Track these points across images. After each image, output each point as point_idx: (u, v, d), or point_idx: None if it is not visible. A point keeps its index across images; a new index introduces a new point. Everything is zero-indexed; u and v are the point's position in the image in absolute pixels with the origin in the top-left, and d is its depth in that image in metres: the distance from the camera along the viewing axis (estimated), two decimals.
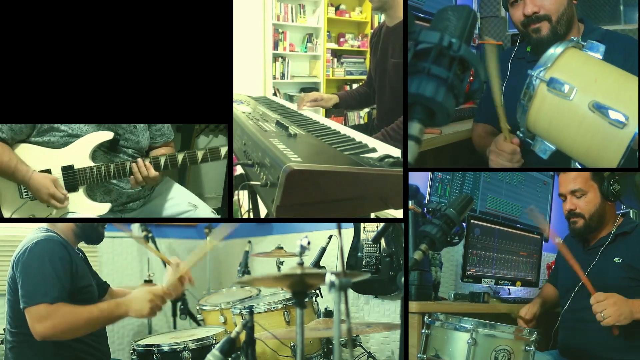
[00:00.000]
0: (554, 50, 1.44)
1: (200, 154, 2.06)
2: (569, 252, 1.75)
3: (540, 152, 1.49)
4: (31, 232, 1.82)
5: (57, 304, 1.64)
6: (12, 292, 1.74)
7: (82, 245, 1.93)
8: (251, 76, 4.85)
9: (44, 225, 1.88)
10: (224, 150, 2.04)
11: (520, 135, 1.54)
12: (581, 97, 1.36)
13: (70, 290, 1.71)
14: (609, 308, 1.62)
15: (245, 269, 2.82)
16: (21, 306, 1.65)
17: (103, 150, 2.08)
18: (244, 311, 2.06)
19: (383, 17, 2.56)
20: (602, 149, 1.36)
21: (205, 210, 2.31)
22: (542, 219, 1.92)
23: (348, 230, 2.53)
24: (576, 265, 1.73)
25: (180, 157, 2.06)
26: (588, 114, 1.35)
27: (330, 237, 2.33)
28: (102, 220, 2.07)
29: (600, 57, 1.44)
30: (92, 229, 1.91)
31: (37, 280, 1.66)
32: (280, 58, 5.18)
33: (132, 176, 2.06)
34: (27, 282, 1.66)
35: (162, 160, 2.05)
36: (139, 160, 2.04)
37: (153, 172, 2.04)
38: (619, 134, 1.32)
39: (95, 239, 1.97)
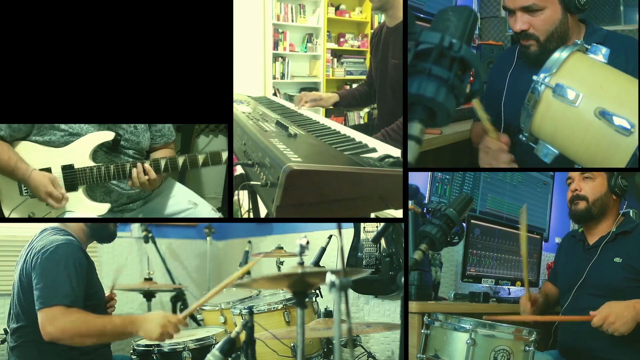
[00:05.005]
0: (559, 55, 1.42)
1: (201, 158, 2.05)
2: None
3: (544, 157, 1.49)
4: (44, 233, 1.82)
5: (73, 308, 1.64)
6: (24, 289, 1.74)
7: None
8: (251, 76, 4.85)
9: (57, 225, 1.88)
10: (224, 155, 2.04)
11: (524, 139, 1.53)
12: (587, 104, 1.35)
13: (84, 295, 1.72)
14: (611, 328, 1.60)
15: None
16: (36, 307, 1.65)
17: (104, 151, 2.08)
18: (244, 311, 2.06)
19: (383, 18, 2.56)
20: (608, 156, 1.35)
21: (205, 208, 2.31)
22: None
23: (348, 230, 2.53)
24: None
25: (180, 160, 2.05)
26: (594, 120, 1.34)
27: (330, 237, 2.33)
28: (101, 220, 2.07)
29: (605, 61, 1.43)
30: (103, 228, 1.93)
31: (56, 283, 1.66)
32: (280, 58, 5.18)
33: (130, 180, 2.06)
34: (46, 284, 1.67)
35: (163, 163, 2.05)
36: (139, 164, 2.03)
37: (153, 175, 2.03)
38: (624, 141, 1.31)
39: (107, 237, 1.98)
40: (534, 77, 1.42)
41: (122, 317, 1.72)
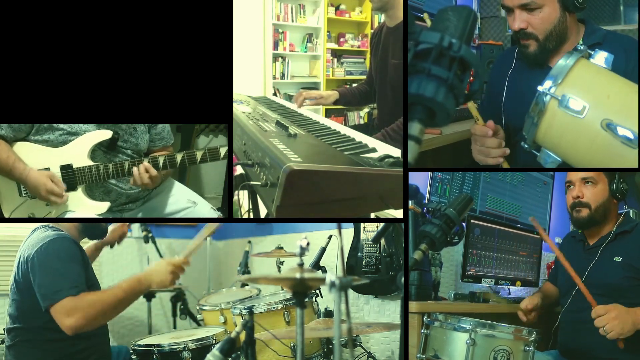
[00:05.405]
0: (565, 63, 1.41)
1: (199, 154, 2.05)
2: (567, 262, 1.77)
3: (546, 164, 1.48)
4: (35, 232, 1.83)
5: (81, 294, 1.65)
6: (20, 290, 1.75)
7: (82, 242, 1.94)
8: (251, 76, 4.85)
9: (47, 223, 1.88)
10: (223, 151, 2.04)
11: (526, 147, 1.53)
12: (593, 115, 1.34)
13: (85, 283, 1.73)
14: (610, 322, 1.60)
15: (245, 269, 2.82)
16: (44, 305, 1.65)
17: (102, 150, 2.08)
18: (244, 311, 2.06)
19: (383, 18, 2.56)
20: (614, 166, 1.35)
21: (204, 207, 2.31)
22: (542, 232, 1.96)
23: (348, 230, 2.53)
24: (575, 275, 1.75)
25: (179, 157, 2.06)
26: (600, 132, 1.33)
27: (330, 237, 2.33)
28: (101, 220, 2.07)
29: (608, 67, 1.43)
30: (95, 225, 1.93)
31: (57, 277, 1.67)
32: (280, 58, 5.18)
33: (132, 178, 2.06)
34: (46, 280, 1.67)
35: (161, 160, 2.05)
36: (141, 165, 2.03)
37: (154, 172, 2.04)
38: (631, 153, 1.31)
39: (99, 234, 1.99)
40: (539, 88, 1.41)
41: (128, 280, 1.74)
